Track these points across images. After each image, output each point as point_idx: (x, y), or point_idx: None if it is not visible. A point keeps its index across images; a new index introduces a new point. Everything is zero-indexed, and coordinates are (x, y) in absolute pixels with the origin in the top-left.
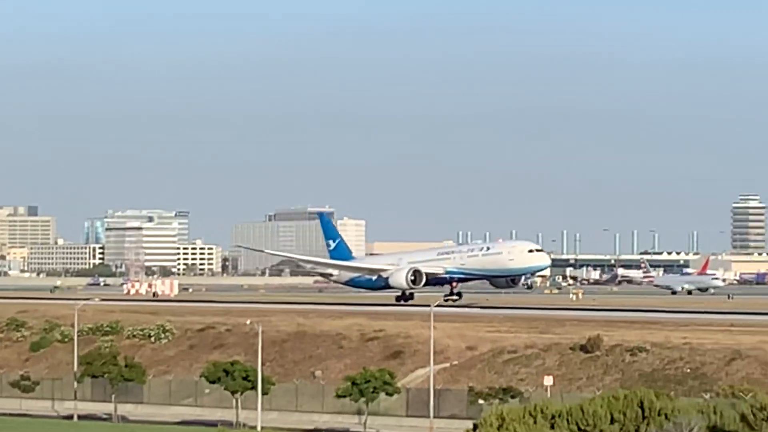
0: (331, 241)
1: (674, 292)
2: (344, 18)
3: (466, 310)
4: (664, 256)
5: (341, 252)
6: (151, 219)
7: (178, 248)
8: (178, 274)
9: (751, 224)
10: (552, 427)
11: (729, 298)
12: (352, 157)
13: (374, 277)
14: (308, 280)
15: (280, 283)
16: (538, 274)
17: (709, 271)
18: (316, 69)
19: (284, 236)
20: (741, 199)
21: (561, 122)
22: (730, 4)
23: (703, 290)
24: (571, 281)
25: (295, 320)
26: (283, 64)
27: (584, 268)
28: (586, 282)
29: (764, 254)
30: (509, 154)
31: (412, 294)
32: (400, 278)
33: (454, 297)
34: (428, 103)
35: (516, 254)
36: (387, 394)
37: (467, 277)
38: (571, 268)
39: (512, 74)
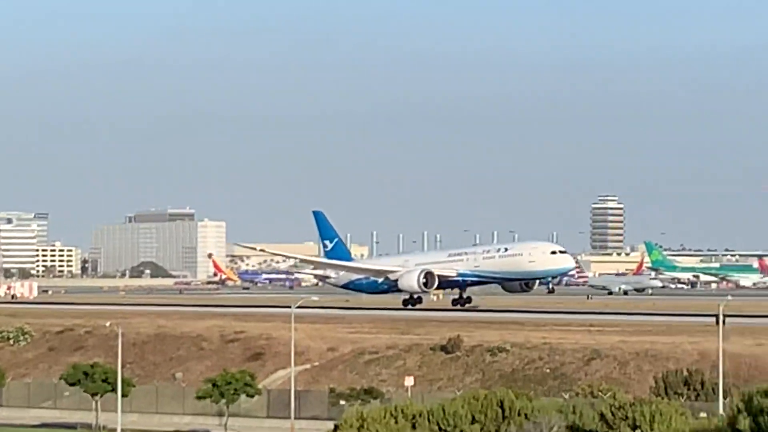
0: (327, 242)
1: (610, 293)
2: (190, 18)
3: (328, 311)
4: None
5: (339, 253)
6: (9, 221)
7: (37, 250)
8: (38, 276)
9: (610, 225)
10: (413, 427)
11: (588, 298)
12: (211, 158)
13: (380, 280)
14: (169, 282)
15: (140, 284)
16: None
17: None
18: (171, 70)
19: (144, 238)
20: (600, 200)
21: (421, 121)
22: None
23: (640, 290)
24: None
25: (155, 322)
26: (139, 66)
27: None
28: None
29: (623, 254)
30: (368, 154)
31: (420, 298)
32: (411, 280)
33: (463, 301)
34: (289, 102)
35: (537, 256)
36: (248, 395)
37: (481, 280)
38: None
39: (367, 73)
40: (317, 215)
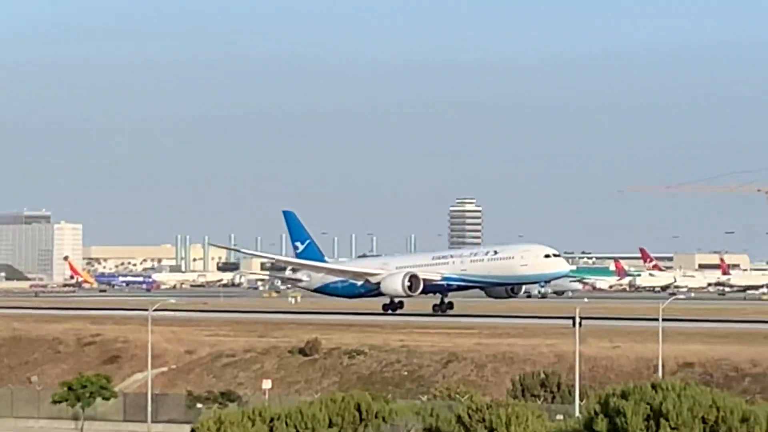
0: (299, 243)
1: (529, 296)
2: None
3: (185, 314)
4: None
5: (312, 254)
6: None
7: None
8: None
9: (467, 227)
10: (271, 430)
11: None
12: (67, 160)
13: (359, 283)
14: (24, 285)
15: None
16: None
17: None
18: (29, 72)
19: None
20: (458, 203)
21: (291, 125)
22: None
23: (560, 293)
24: (290, 284)
25: (10, 325)
26: None
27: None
28: None
29: None
30: (230, 158)
31: (401, 302)
32: (395, 284)
33: (445, 307)
34: (147, 107)
35: (530, 259)
36: (104, 398)
37: (468, 285)
38: (291, 272)
39: (241, 77)
40: (287, 215)
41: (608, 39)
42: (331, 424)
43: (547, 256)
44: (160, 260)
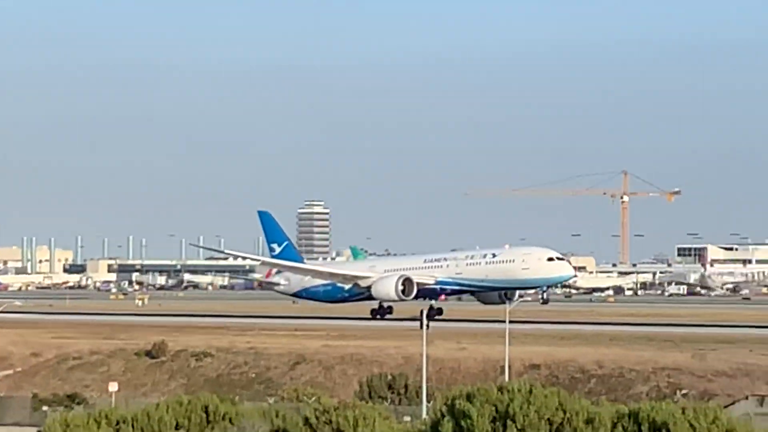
0: (275, 245)
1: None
2: None
3: (31, 316)
4: (230, 261)
5: (290, 257)
6: None
7: None
8: None
9: (316, 230)
10: None
11: (293, 302)
12: None
13: (346, 286)
14: None
15: None
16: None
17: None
18: None
19: None
20: (306, 205)
21: (125, 128)
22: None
23: None
24: (137, 286)
25: None
26: None
27: (150, 274)
28: (152, 287)
29: (328, 258)
30: (65, 159)
31: (391, 307)
32: (387, 287)
33: (434, 312)
34: None
35: (532, 263)
36: None
37: (463, 289)
38: (138, 274)
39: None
40: (263, 216)
41: (445, 44)
42: (177, 427)
43: (550, 259)
44: (5, 262)
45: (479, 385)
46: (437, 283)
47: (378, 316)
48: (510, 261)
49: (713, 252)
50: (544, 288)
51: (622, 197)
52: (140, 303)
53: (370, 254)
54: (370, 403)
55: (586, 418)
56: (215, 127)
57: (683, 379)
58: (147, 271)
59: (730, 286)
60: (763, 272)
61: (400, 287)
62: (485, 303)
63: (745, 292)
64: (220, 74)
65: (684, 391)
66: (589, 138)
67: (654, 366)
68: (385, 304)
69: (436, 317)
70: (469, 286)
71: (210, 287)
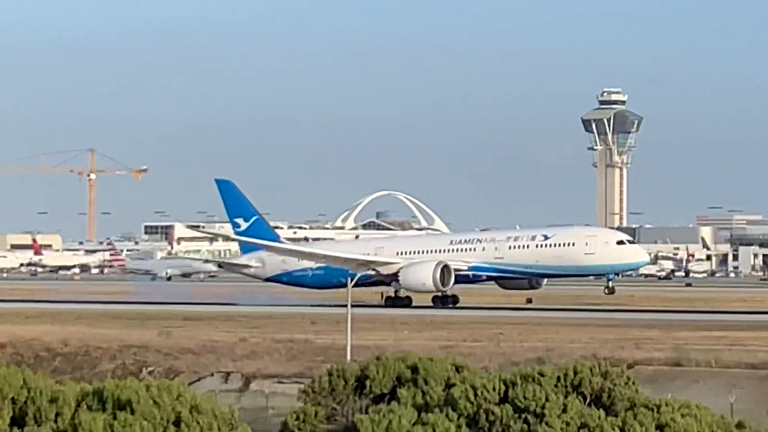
0: (241, 220)
1: (154, 278)
2: None
3: None
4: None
5: (260, 234)
6: None
7: None
8: None
9: None
10: None
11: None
12: None
13: (358, 272)
14: None
15: None
16: None
17: None
18: None
19: None
20: None
21: None
22: None
23: (187, 275)
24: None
25: None
26: None
27: None
28: None
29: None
30: None
31: (409, 297)
32: (422, 276)
33: (451, 300)
34: None
35: (598, 246)
36: None
37: (504, 276)
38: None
39: None
40: (223, 185)
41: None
42: None
43: (620, 242)
44: None
45: None
46: (471, 269)
47: (390, 305)
48: (569, 244)
49: (180, 230)
50: (611, 276)
51: (89, 175)
52: None
53: None
54: None
55: (51, 397)
56: None
57: (149, 357)
58: None
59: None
60: (230, 249)
61: (438, 275)
62: (509, 289)
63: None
64: None
65: (150, 369)
66: (55, 114)
67: (120, 344)
68: (401, 293)
69: (452, 305)
70: (513, 272)
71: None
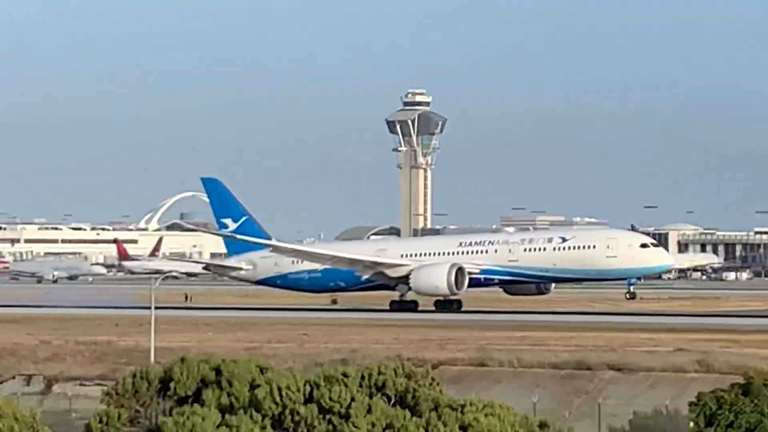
0: (229, 220)
1: (40, 281)
2: None
3: None
4: None
5: (252, 234)
6: None
7: None
8: None
9: None
10: None
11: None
12: None
13: (365, 275)
14: None
15: None
16: None
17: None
18: None
19: None
20: None
21: None
22: None
23: (74, 278)
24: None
25: None
26: None
27: None
28: None
29: None
30: None
31: (416, 301)
32: (437, 279)
33: (455, 304)
34: None
35: (620, 249)
36: None
37: (516, 280)
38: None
39: None
40: (210, 184)
41: None
42: None
43: (643, 245)
44: None
45: None
46: (482, 272)
47: (402, 310)
48: (589, 247)
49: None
50: (632, 280)
51: None
52: None
53: None
54: None
55: None
56: None
57: None
58: None
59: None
60: (32, 251)
61: (453, 278)
62: (514, 295)
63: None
64: None
65: None
66: None
67: None
68: (406, 297)
69: (456, 310)
70: (527, 276)
71: None
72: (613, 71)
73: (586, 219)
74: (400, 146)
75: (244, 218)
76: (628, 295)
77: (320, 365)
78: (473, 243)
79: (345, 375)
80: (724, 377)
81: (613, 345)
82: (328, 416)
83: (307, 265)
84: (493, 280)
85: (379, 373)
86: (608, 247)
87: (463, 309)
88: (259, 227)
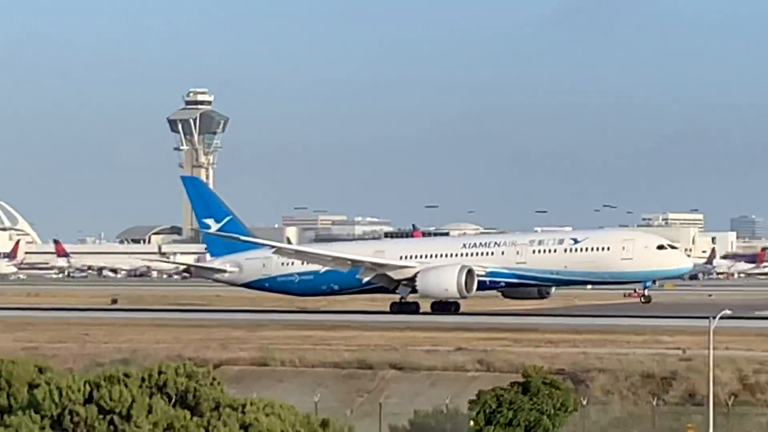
0: (211, 220)
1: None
2: None
3: None
4: None
5: (237, 234)
6: None
7: None
8: None
9: None
10: None
11: None
12: None
13: (367, 276)
14: None
15: None
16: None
17: None
18: None
19: None
20: None
21: None
22: None
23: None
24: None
25: None
26: None
27: None
28: None
29: None
30: None
31: (417, 303)
32: (445, 281)
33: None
34: None
35: (637, 251)
36: None
37: (524, 283)
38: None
39: None
40: (190, 182)
41: None
42: None
43: (660, 247)
44: None
45: None
46: (488, 274)
47: (402, 312)
48: (603, 248)
49: None
50: (647, 284)
51: None
52: None
53: None
54: None
55: None
56: None
57: None
58: None
59: None
60: None
61: (463, 281)
62: (514, 298)
63: None
64: None
65: None
66: None
67: None
68: (406, 299)
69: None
70: (536, 279)
71: None
72: (395, 71)
73: (368, 219)
74: (182, 145)
75: (227, 218)
76: (642, 299)
77: (101, 365)
78: (478, 245)
79: (126, 375)
80: (504, 376)
81: (395, 344)
82: (109, 416)
83: (298, 267)
84: (499, 282)
85: (160, 372)
86: (624, 248)
87: (460, 311)
88: (243, 227)
